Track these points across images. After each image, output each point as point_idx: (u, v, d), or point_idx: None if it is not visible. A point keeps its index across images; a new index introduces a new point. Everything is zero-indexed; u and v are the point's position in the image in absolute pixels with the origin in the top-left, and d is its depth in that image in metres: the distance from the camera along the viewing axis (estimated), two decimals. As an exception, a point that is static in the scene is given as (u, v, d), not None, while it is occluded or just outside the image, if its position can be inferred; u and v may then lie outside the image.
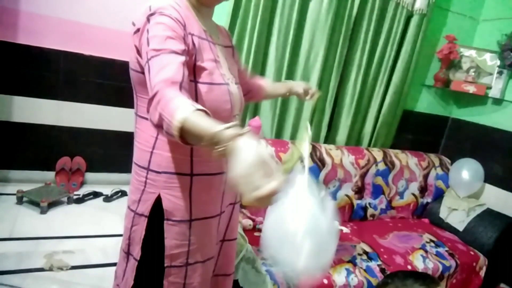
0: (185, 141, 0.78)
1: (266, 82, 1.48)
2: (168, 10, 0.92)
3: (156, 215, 1.02)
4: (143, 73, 0.94)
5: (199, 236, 1.08)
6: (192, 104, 0.78)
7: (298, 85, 1.51)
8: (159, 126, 0.81)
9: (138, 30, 0.95)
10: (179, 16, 0.94)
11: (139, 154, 1.05)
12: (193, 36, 0.98)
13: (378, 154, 2.53)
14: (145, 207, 1.03)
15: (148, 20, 0.92)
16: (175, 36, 0.90)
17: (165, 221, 1.02)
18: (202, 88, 0.98)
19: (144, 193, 1.03)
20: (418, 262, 2.01)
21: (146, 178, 1.03)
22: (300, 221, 0.97)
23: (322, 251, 0.99)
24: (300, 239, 0.95)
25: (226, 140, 0.72)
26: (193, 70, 0.97)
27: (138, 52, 0.96)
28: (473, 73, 2.71)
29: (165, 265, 1.04)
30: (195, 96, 0.97)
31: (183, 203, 1.03)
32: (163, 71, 0.84)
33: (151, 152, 1.02)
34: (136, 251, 1.06)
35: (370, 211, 2.48)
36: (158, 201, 1.02)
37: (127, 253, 1.10)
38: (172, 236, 1.03)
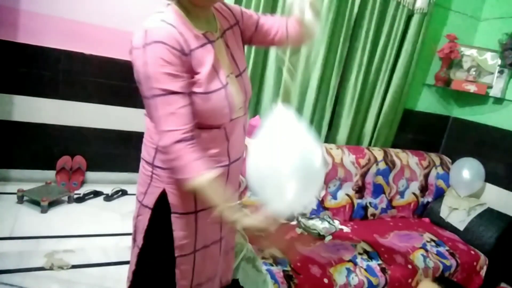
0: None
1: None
2: (162, 36, 0.92)
3: (161, 208, 1.09)
4: None
5: (205, 225, 1.15)
6: (206, 171, 0.96)
7: None
8: (172, 171, 0.99)
9: (132, 50, 0.96)
10: (176, 42, 0.93)
11: (145, 150, 1.12)
12: (192, 51, 0.98)
13: (378, 153, 2.53)
14: (150, 200, 1.10)
15: (144, 49, 0.92)
16: (173, 70, 0.93)
17: (172, 214, 1.09)
18: (198, 99, 0.99)
19: (150, 186, 1.10)
20: (419, 262, 2.01)
21: (152, 173, 1.09)
22: (286, 157, 1.00)
23: (308, 187, 1.01)
24: (285, 177, 0.98)
25: (231, 217, 0.99)
26: (190, 82, 0.99)
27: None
28: (474, 72, 2.70)
29: (176, 255, 1.11)
30: (191, 109, 0.99)
31: (187, 196, 1.08)
32: (172, 119, 0.94)
33: (156, 149, 1.07)
34: (139, 239, 1.14)
35: (370, 210, 2.48)
36: (163, 195, 1.08)
37: (134, 239, 1.19)
38: (180, 228, 1.10)
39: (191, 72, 0.98)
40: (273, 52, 2.21)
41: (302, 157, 1.02)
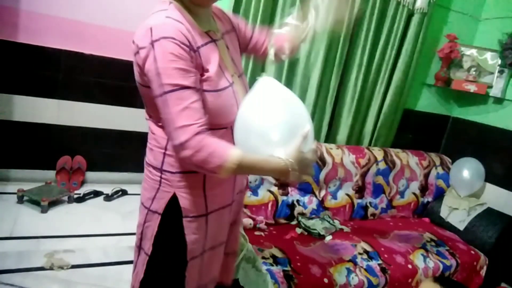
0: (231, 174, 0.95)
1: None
2: (171, 32, 0.90)
3: (172, 213, 1.06)
4: (149, 87, 0.96)
5: (214, 226, 1.14)
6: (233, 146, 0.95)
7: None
8: (199, 166, 0.94)
9: (139, 50, 0.93)
10: (184, 37, 0.92)
11: (152, 155, 1.08)
12: (200, 48, 0.98)
13: (378, 153, 2.53)
14: (159, 205, 1.07)
15: (152, 45, 0.90)
16: (184, 65, 0.91)
17: (183, 219, 1.06)
18: (209, 96, 0.99)
19: (159, 191, 1.07)
20: (419, 262, 2.01)
21: (161, 177, 1.06)
22: (273, 113, 1.01)
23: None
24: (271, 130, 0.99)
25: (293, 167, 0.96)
26: (200, 80, 0.98)
27: (142, 70, 0.96)
28: (474, 72, 2.70)
29: (188, 258, 1.09)
30: (203, 104, 0.98)
31: (198, 199, 1.07)
32: (186, 113, 0.91)
33: (164, 153, 1.05)
34: (147, 247, 1.10)
35: (370, 210, 2.48)
36: (173, 200, 1.05)
37: (139, 247, 1.15)
38: (192, 232, 1.08)
39: (200, 69, 0.98)
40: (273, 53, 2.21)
41: (290, 115, 1.03)
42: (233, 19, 1.22)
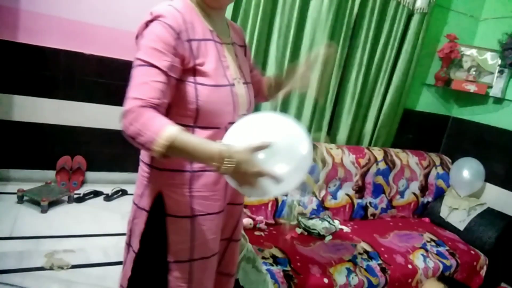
0: (165, 155, 0.87)
1: (266, 78, 1.37)
2: (166, 17, 0.95)
3: (157, 211, 1.06)
4: None
5: (203, 232, 1.10)
6: (173, 124, 0.89)
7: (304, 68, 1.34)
8: (133, 138, 0.89)
9: (137, 34, 1.00)
10: (176, 24, 0.96)
11: (144, 152, 1.09)
12: (192, 41, 1.00)
13: (378, 153, 2.53)
14: (147, 202, 1.07)
15: (146, 25, 0.96)
16: (162, 48, 0.93)
17: (167, 217, 1.05)
18: (203, 90, 1.00)
19: (147, 188, 1.07)
20: (419, 262, 2.01)
21: (149, 174, 1.07)
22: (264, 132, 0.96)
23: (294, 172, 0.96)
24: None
25: (230, 157, 0.86)
26: (193, 72, 1.00)
27: None
28: (474, 72, 2.70)
29: (168, 260, 1.07)
30: (196, 98, 0.99)
31: (183, 199, 1.06)
32: (142, 88, 0.91)
33: None
34: (135, 244, 1.10)
35: (370, 210, 2.48)
36: (159, 197, 1.05)
37: (128, 244, 1.15)
38: (175, 232, 1.06)
39: (189, 60, 0.99)
40: (273, 51, 2.21)
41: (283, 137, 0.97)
42: (245, 40, 1.28)
